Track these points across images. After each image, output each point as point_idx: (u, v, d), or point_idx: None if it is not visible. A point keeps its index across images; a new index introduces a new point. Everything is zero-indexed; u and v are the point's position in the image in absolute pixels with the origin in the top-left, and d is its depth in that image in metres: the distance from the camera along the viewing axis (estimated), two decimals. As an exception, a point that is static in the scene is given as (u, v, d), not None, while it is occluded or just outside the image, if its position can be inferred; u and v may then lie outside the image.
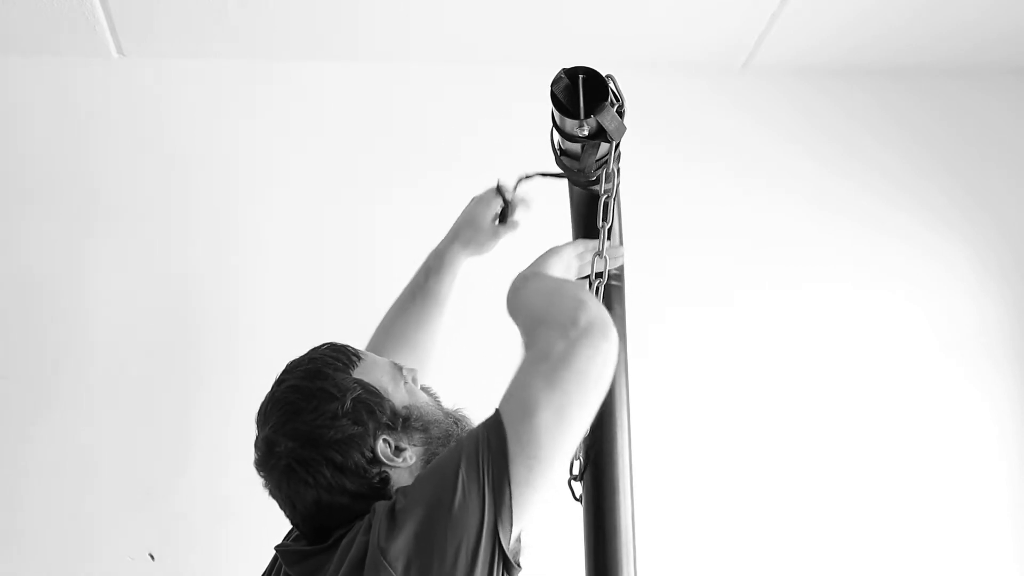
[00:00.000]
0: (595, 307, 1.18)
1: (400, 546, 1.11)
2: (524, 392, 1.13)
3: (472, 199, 1.69)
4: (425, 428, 1.28)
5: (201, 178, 2.21)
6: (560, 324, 1.15)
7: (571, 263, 1.40)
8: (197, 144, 2.22)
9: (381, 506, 1.15)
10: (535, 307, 1.23)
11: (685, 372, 2.20)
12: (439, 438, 1.28)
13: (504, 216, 1.65)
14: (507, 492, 1.11)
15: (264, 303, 2.17)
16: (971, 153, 2.38)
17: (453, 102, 2.29)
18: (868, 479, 2.22)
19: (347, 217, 2.22)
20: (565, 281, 1.31)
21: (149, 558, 2.06)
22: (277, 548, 1.31)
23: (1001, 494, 2.24)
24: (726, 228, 2.29)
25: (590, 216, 1.45)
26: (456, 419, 1.33)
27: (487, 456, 1.11)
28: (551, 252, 1.39)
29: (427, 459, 1.27)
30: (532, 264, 1.37)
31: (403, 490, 1.17)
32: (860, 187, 2.34)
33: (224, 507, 2.07)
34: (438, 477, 1.14)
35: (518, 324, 1.26)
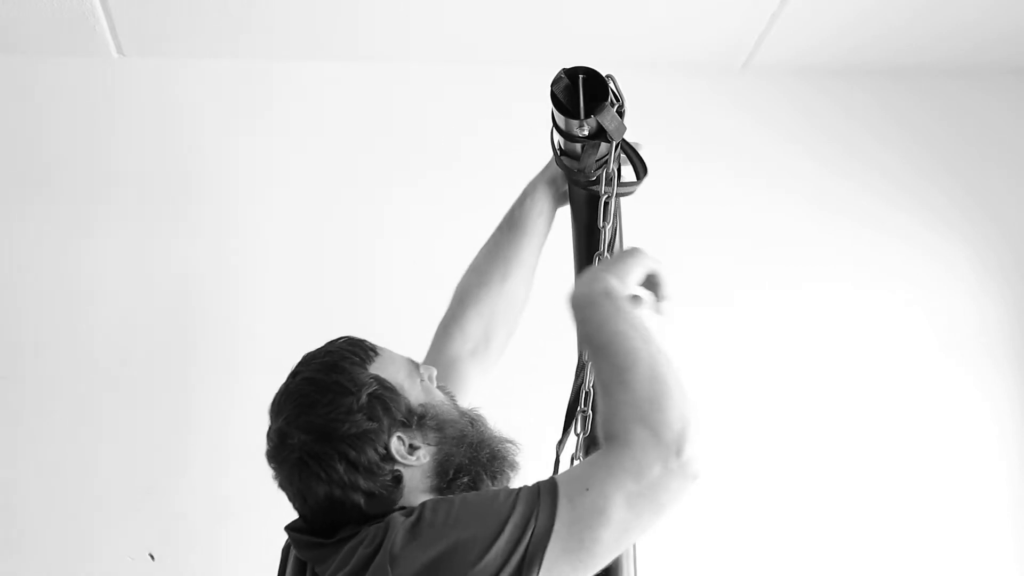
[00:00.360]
0: (699, 434, 1.12)
1: (415, 566, 1.09)
2: (601, 501, 1.09)
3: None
4: (440, 427, 1.26)
5: (201, 178, 2.21)
6: (663, 443, 1.10)
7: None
8: (197, 144, 2.22)
9: (398, 520, 1.13)
10: (639, 385, 1.13)
11: (685, 372, 2.20)
12: (454, 438, 1.27)
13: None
14: (536, 572, 1.08)
15: (264, 303, 2.17)
16: (971, 153, 2.38)
17: (453, 102, 2.29)
18: (868, 479, 2.22)
19: (347, 217, 2.22)
20: (670, 364, 1.18)
21: (149, 558, 2.06)
22: (288, 530, 1.28)
23: (1001, 494, 2.24)
24: (726, 228, 2.29)
25: (590, 216, 1.45)
26: (472, 419, 1.31)
27: (532, 530, 1.09)
28: (638, 259, 1.27)
29: (441, 459, 1.25)
30: (619, 267, 1.25)
31: (432, 508, 1.14)
32: (860, 187, 2.34)
33: (224, 507, 2.07)
34: (478, 520, 1.11)
35: (598, 356, 1.18)
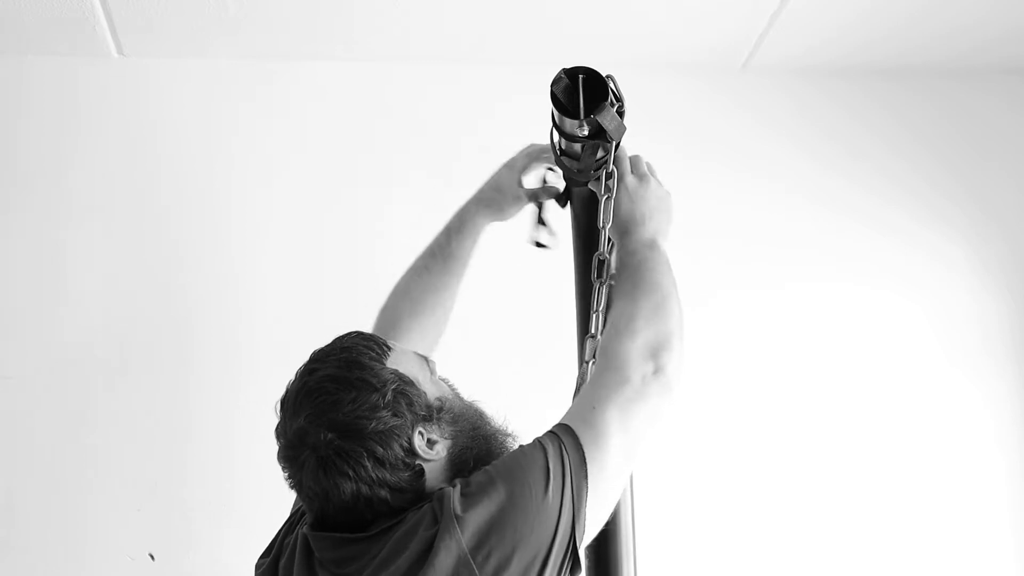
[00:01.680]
0: (676, 355, 1.31)
1: (480, 524, 1.13)
2: (607, 413, 1.22)
3: (504, 163, 1.61)
4: (455, 421, 1.27)
5: (201, 177, 2.21)
6: (641, 356, 1.28)
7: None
8: (197, 143, 2.22)
9: (449, 491, 1.16)
10: (645, 304, 1.32)
11: (684, 371, 2.20)
12: (467, 431, 1.27)
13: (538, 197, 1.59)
14: (585, 499, 1.17)
15: (263, 303, 2.17)
16: (971, 153, 2.39)
17: (452, 102, 2.29)
18: (868, 479, 2.22)
19: (347, 217, 2.22)
20: (680, 306, 1.39)
21: (149, 558, 2.06)
22: (308, 533, 1.26)
23: (1001, 494, 2.25)
24: (726, 228, 2.29)
25: (590, 217, 1.45)
26: (479, 412, 1.32)
27: (569, 461, 1.18)
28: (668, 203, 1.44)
29: (457, 453, 1.25)
30: (664, 206, 1.43)
31: (472, 478, 1.18)
32: (860, 187, 2.34)
33: (225, 507, 2.07)
34: (520, 471, 1.17)
35: (632, 275, 1.35)
